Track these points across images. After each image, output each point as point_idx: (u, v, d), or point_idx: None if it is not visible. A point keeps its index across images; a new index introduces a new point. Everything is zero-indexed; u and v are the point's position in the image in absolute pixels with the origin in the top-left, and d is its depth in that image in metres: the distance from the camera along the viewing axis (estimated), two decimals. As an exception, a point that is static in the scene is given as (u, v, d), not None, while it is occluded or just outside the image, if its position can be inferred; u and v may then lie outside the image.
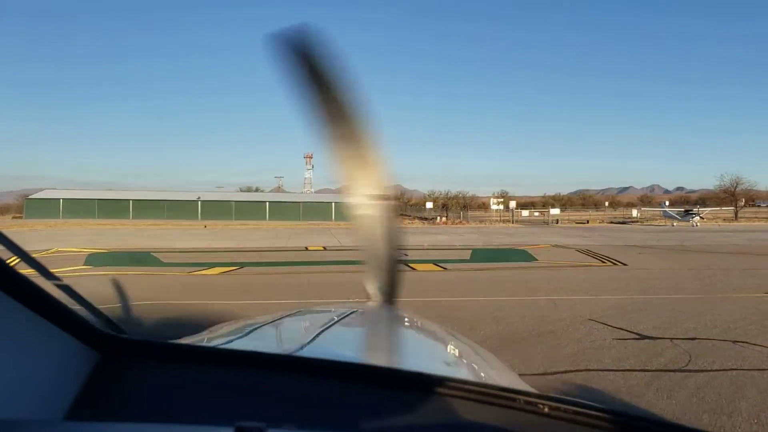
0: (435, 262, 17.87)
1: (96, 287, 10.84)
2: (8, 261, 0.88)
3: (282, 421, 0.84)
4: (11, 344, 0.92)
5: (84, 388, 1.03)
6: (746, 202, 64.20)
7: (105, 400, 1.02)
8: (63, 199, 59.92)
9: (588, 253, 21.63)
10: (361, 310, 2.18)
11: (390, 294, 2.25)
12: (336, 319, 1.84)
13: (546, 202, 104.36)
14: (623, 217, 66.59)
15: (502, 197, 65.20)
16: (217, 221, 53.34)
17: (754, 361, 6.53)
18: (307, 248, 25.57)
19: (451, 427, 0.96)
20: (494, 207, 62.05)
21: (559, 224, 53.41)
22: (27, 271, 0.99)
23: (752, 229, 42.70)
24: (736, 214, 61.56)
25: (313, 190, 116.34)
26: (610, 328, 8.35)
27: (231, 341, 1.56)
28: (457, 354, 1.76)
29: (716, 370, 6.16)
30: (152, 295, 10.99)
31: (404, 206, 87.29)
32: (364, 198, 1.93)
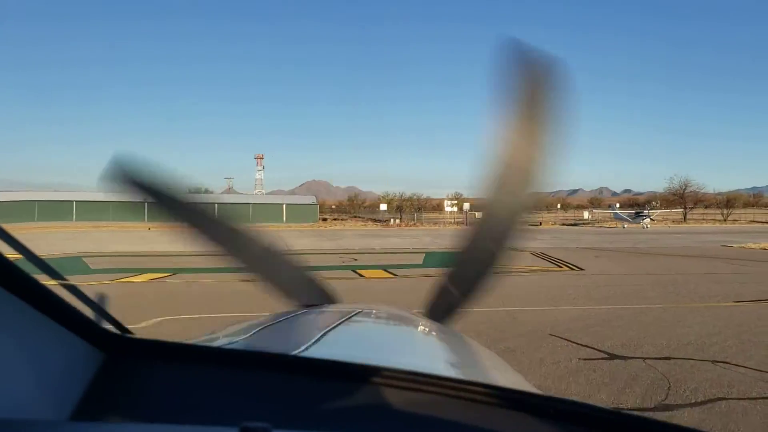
0: (385, 268, 16.82)
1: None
2: (13, 260, 0.86)
3: (287, 421, 0.92)
4: (16, 343, 0.90)
5: (89, 388, 1.02)
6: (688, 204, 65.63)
7: (110, 400, 1.02)
8: (-1, 201, 56.45)
9: (543, 256, 21.02)
10: (366, 310, 2.13)
11: (443, 316, 2.12)
12: (341, 319, 1.81)
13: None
14: (575, 219, 67.20)
15: (457, 199, 64.71)
16: (165, 223, 51.15)
17: (741, 387, 5.65)
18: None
19: (456, 428, 0.93)
20: (448, 209, 61.65)
21: (512, 226, 53.14)
22: (32, 270, 0.95)
23: (701, 230, 43.39)
24: (684, 215, 62.90)
25: (264, 191, 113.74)
26: (574, 345, 7.42)
27: (236, 341, 1.53)
28: (461, 355, 1.73)
29: (702, 403, 5.23)
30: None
31: (357, 208, 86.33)
32: (503, 203, 1.88)
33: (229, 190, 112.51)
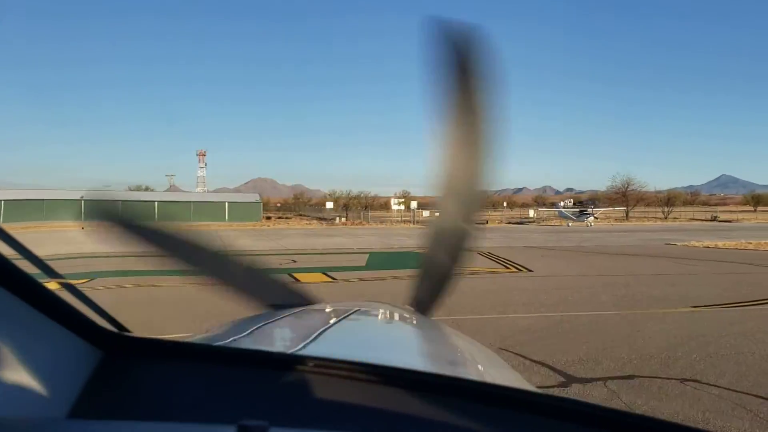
0: (325, 271, 15.69)
1: None
2: (11, 259, 0.86)
3: (285, 419, 0.92)
4: (15, 342, 0.91)
5: (87, 386, 1.03)
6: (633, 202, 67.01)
7: (108, 398, 1.02)
8: None
9: (490, 256, 20.34)
10: (364, 309, 2.14)
11: (427, 306, 2.16)
12: (339, 317, 1.80)
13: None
14: (521, 217, 67.60)
15: (404, 197, 64.11)
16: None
17: (719, 415, 4.85)
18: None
19: (454, 427, 0.93)
20: (395, 207, 60.98)
21: (459, 225, 53.00)
22: (30, 269, 0.96)
23: (644, 228, 44.09)
24: (627, 213, 64.13)
25: (207, 189, 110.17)
26: (527, 362, 6.54)
27: (234, 339, 1.49)
28: (459, 353, 1.72)
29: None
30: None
31: (303, 206, 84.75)
32: (455, 201, 1.90)
33: (172, 188, 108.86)
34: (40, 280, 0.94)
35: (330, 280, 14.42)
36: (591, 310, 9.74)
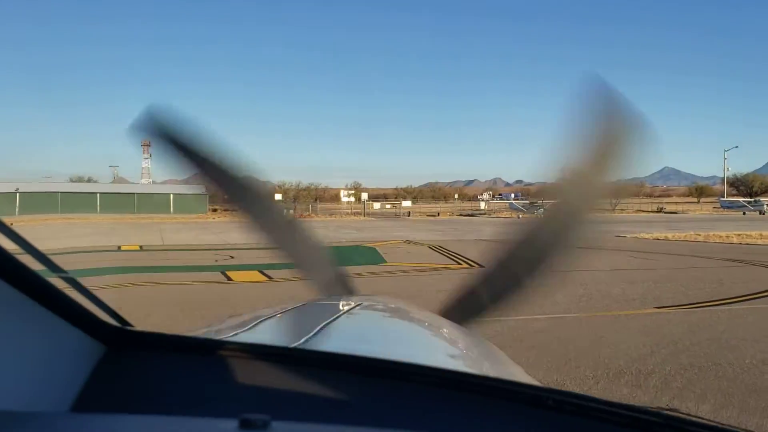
0: (261, 269, 14.42)
1: None
2: (13, 252, 0.85)
3: (287, 413, 0.90)
4: (16, 336, 0.90)
5: (90, 380, 1.02)
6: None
7: (111, 391, 1.02)
8: None
9: (441, 250, 19.50)
10: (367, 303, 2.10)
11: (465, 316, 2.01)
12: (341, 311, 1.78)
13: (398, 195, 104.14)
14: (472, 210, 67.43)
15: (354, 189, 63.03)
16: (38, 215, 46.98)
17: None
18: (119, 248, 22.21)
19: (456, 421, 0.92)
20: (345, 199, 59.88)
21: (411, 217, 52.44)
22: (32, 263, 0.93)
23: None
24: (574, 205, 64.71)
25: (153, 180, 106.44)
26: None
27: (236, 333, 1.46)
28: (462, 347, 1.67)
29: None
30: None
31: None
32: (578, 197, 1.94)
33: (117, 179, 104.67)
34: (42, 275, 0.91)
35: (265, 279, 13.21)
36: (547, 312, 8.80)
